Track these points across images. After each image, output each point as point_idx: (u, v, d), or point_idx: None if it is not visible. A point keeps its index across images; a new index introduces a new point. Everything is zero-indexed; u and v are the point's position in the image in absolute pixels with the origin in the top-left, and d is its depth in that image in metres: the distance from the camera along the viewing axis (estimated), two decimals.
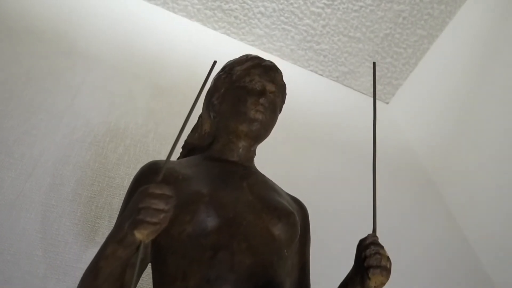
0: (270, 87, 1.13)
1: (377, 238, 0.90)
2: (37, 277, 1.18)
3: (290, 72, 2.54)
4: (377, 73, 2.70)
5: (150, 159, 1.64)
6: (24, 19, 1.82)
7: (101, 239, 1.33)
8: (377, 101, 1.04)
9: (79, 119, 1.59)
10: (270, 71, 1.15)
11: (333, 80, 2.75)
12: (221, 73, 1.18)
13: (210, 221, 0.90)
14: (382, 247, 0.88)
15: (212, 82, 1.20)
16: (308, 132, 2.22)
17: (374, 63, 1.05)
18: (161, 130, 1.74)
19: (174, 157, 1.42)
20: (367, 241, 0.88)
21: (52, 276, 1.20)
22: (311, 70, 2.70)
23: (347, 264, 0.98)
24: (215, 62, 0.94)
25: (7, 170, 1.33)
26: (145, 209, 0.73)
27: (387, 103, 2.88)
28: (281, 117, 1.27)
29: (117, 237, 0.80)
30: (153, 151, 1.65)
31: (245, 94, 1.09)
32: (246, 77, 1.12)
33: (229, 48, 2.42)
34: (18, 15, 1.83)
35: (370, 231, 0.94)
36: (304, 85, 2.54)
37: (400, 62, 2.73)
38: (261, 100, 1.07)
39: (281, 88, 1.20)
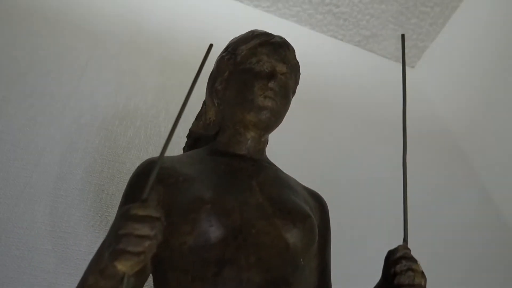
0: (280, 67, 0.99)
1: (409, 250, 0.79)
2: (47, 272, 1.14)
3: (308, 39, 2.42)
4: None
5: (162, 141, 1.56)
6: None
7: None
8: None
9: (85, 102, 1.51)
10: (280, 49, 1.00)
11: (355, 45, 2.60)
12: (224, 54, 1.04)
13: (213, 232, 0.79)
14: (415, 261, 0.77)
15: (214, 64, 1.07)
16: (328, 103, 2.10)
17: (403, 36, 0.90)
18: (172, 109, 1.65)
19: (179, 147, 1.32)
20: (397, 255, 0.77)
21: (63, 271, 1.16)
22: (331, 36, 2.55)
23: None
24: (211, 46, 0.81)
25: (12, 161, 1.28)
26: (127, 236, 0.62)
27: (413, 67, 2.72)
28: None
29: (97, 267, 0.69)
30: (165, 132, 1.57)
31: (251, 78, 0.95)
32: (252, 58, 0.98)
33: (243, 16, 2.29)
34: None
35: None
36: (323, 52, 2.41)
37: (426, 23, 2.54)
38: (271, 84, 0.94)
39: (294, 68, 1.05)
